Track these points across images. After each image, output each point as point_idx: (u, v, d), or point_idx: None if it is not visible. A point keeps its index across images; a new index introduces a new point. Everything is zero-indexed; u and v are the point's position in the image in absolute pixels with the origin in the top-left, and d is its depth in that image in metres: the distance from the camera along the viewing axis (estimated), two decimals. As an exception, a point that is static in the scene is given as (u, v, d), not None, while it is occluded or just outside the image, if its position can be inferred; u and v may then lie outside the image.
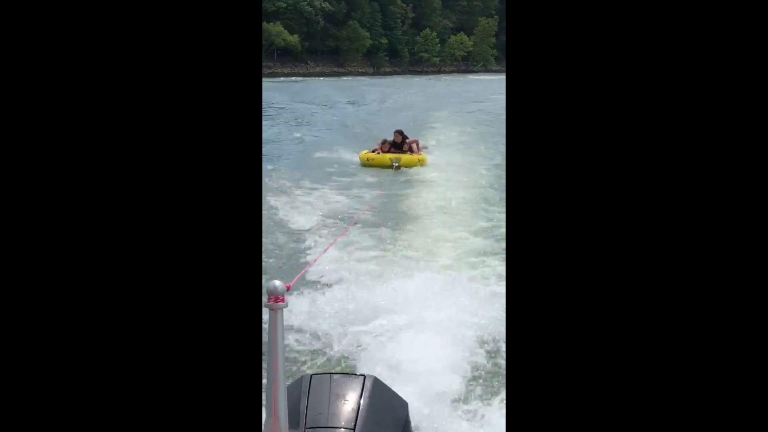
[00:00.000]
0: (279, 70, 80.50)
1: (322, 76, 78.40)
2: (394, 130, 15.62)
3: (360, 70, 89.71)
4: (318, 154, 17.29)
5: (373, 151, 15.31)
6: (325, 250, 6.27)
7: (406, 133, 15.51)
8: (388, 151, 14.98)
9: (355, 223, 8.58)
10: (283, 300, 1.95)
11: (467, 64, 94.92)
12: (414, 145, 15.25)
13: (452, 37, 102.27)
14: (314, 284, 6.49)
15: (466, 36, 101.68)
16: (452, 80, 62.47)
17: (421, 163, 14.74)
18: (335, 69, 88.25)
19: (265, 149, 18.75)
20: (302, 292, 6.11)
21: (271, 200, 11.08)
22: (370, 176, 13.87)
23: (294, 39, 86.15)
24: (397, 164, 14.37)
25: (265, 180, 12.85)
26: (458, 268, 6.96)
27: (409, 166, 14.50)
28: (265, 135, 21.48)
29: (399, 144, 15.14)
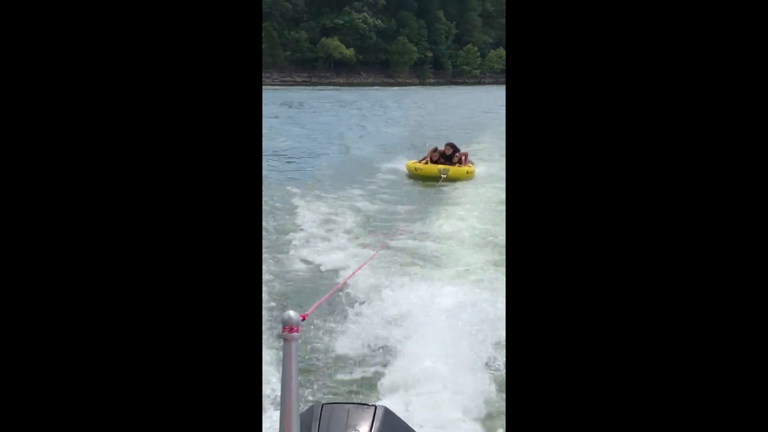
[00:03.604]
0: (335, 80, 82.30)
1: (373, 86, 78.56)
2: (445, 143, 14.24)
3: (407, 81, 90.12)
4: (363, 162, 16.19)
5: (422, 161, 14.05)
6: (348, 278, 5.82)
7: (451, 144, 14.15)
8: (437, 162, 13.72)
9: (381, 249, 7.65)
10: (297, 330, 1.80)
11: (505, 76, 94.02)
12: (463, 158, 13.87)
13: (492, 51, 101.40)
14: (335, 306, 5.85)
15: (504, 51, 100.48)
16: (495, 89, 61.38)
17: (469, 175, 13.48)
18: (385, 79, 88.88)
19: (304, 157, 17.61)
20: (323, 313, 5.59)
21: (300, 212, 10.06)
22: (412, 190, 12.65)
23: (349, 52, 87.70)
24: (444, 175, 13.06)
25: (297, 190, 11.88)
26: (485, 293, 6.01)
27: (456, 178, 13.22)
28: (303, 142, 20.43)
29: (449, 156, 13.82)
